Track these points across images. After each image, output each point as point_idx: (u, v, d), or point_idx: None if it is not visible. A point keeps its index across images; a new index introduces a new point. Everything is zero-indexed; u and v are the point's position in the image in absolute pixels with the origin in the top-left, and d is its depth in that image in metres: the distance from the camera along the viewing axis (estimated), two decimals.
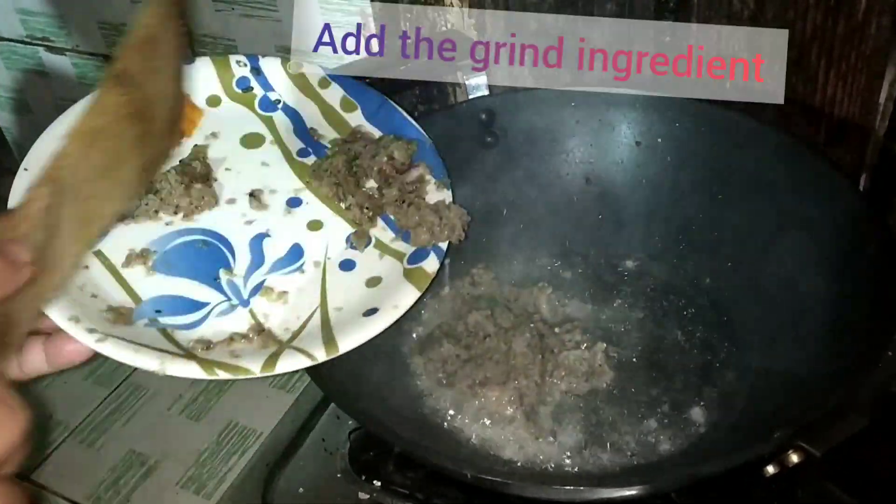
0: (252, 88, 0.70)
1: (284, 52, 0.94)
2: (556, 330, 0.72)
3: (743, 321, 0.72)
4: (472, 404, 0.66)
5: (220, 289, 0.57)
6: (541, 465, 0.63)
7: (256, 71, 0.70)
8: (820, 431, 0.49)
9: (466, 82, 0.80)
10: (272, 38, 0.97)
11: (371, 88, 0.69)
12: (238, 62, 0.70)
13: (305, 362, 0.51)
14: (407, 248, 0.60)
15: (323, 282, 0.58)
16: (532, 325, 0.71)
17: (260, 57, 0.70)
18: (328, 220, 0.62)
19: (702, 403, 0.67)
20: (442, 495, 0.67)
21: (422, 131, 0.67)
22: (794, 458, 0.51)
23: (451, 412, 0.67)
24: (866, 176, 0.81)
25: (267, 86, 0.70)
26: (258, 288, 0.57)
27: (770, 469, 0.53)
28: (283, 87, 0.70)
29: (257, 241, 0.60)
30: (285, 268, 0.59)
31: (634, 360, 0.71)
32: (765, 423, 0.54)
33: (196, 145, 0.65)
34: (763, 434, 0.51)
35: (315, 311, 0.56)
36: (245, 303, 0.56)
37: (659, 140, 0.78)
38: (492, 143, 0.78)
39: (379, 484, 0.69)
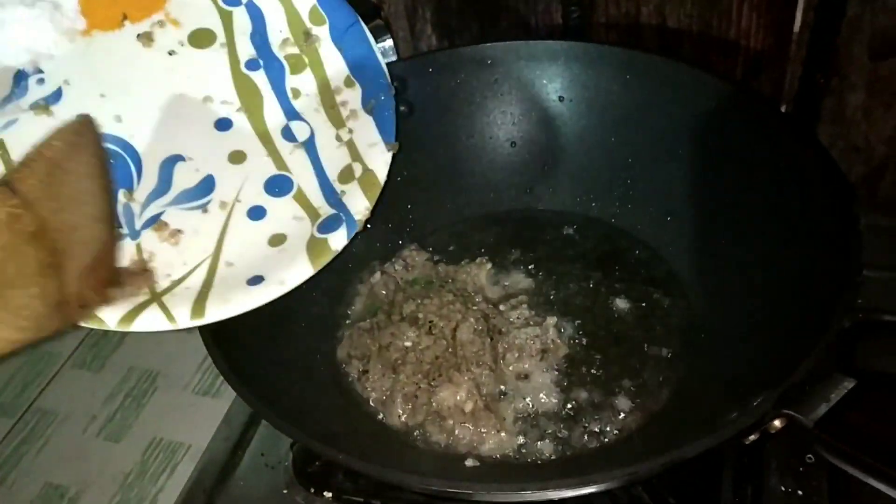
0: None
1: None
2: (501, 308, 0.68)
3: (691, 277, 0.70)
4: (424, 404, 0.62)
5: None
6: (507, 457, 0.59)
7: None
8: (804, 397, 0.47)
9: None
10: None
11: (346, 4, 0.63)
12: None
13: (165, 325, 0.47)
14: (326, 210, 0.55)
15: (224, 227, 0.53)
16: (475, 306, 0.67)
17: None
18: (254, 154, 0.56)
19: (663, 372, 0.64)
20: (399, 499, 0.64)
21: (386, 72, 0.64)
22: (777, 424, 0.49)
23: (402, 417, 0.62)
24: (787, 106, 0.80)
25: None
26: (153, 220, 0.52)
27: (751, 437, 0.52)
28: None
29: (169, 164, 0.55)
30: (189, 202, 0.54)
31: (587, 329, 0.68)
32: (739, 390, 0.51)
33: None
34: (743, 403, 0.48)
35: (204, 260, 0.51)
36: (135, 234, 0.51)
37: (583, 92, 0.74)
38: (406, 112, 0.73)
39: (330, 495, 0.66)
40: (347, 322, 0.70)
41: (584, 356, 0.66)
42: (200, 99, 0.58)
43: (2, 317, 0.44)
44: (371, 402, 0.63)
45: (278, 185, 0.56)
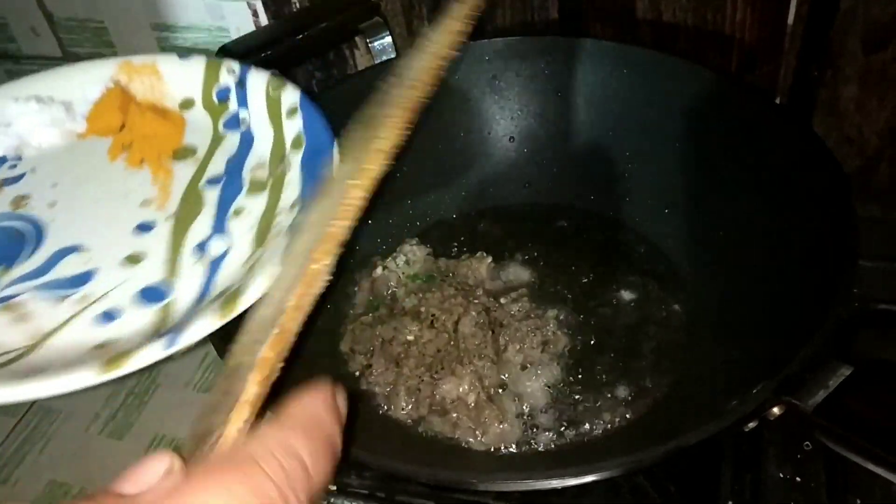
0: (228, 100, 0.63)
1: (159, 30, 0.88)
2: (502, 301, 0.68)
3: (689, 268, 0.70)
4: (427, 397, 0.62)
5: None
6: (510, 448, 0.60)
7: (241, 83, 0.62)
8: (803, 384, 0.47)
9: (371, 45, 0.75)
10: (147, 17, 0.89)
11: (328, 128, 0.57)
12: (229, 70, 0.63)
13: None
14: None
15: (64, 322, 0.48)
16: (476, 300, 0.67)
17: (250, 67, 0.63)
18: (153, 258, 0.52)
19: (664, 362, 0.65)
20: (404, 491, 0.64)
21: None
22: (776, 410, 0.50)
23: (405, 410, 0.63)
24: (781, 99, 0.81)
25: (243, 101, 0.63)
26: (7, 298, 0.50)
27: (751, 424, 0.52)
28: (256, 107, 0.62)
29: (63, 253, 0.53)
30: (54, 290, 0.50)
31: (587, 321, 0.68)
32: (739, 379, 0.52)
33: None
34: (742, 391, 0.49)
35: (25, 347, 0.47)
36: None
37: (579, 87, 0.75)
38: None
39: (335, 488, 0.65)
40: (349, 317, 0.70)
41: (584, 348, 0.66)
42: (140, 201, 0.57)
43: None
44: (374, 396, 0.64)
45: (155, 294, 0.50)
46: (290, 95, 0.60)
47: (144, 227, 0.54)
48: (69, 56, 0.97)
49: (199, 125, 0.62)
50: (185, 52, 0.64)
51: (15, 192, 0.59)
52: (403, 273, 0.72)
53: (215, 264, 0.52)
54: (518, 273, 0.72)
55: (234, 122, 0.62)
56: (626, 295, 0.70)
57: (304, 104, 0.59)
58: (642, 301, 0.69)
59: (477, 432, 0.60)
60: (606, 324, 0.68)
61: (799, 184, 0.62)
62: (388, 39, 0.76)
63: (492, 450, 0.60)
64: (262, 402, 0.39)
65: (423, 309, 0.67)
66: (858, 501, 0.58)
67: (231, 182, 0.58)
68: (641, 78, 0.73)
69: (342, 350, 0.67)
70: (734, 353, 0.60)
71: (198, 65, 0.64)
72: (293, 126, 0.59)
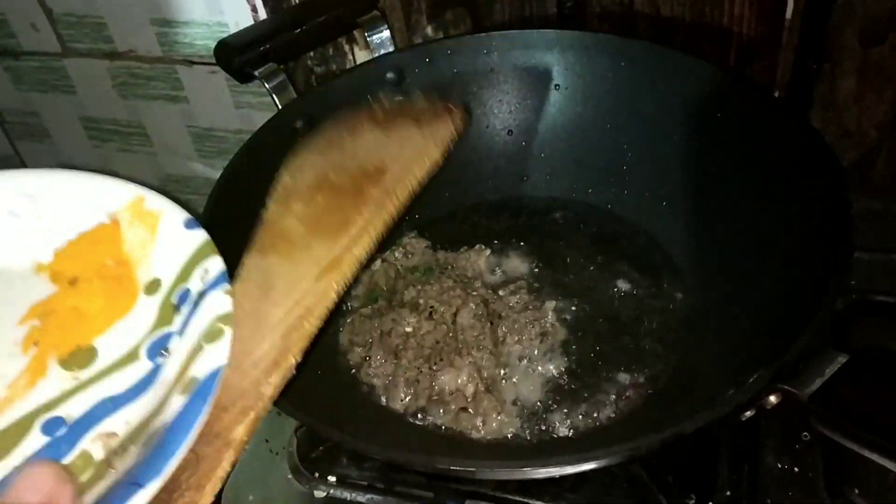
0: (179, 311, 0.50)
1: (159, 25, 0.88)
2: (501, 293, 0.69)
3: (686, 260, 0.71)
4: (425, 389, 0.62)
5: None
6: (508, 439, 0.60)
7: (201, 296, 0.49)
8: (799, 372, 0.48)
9: (370, 38, 0.75)
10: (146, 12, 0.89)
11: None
12: (204, 270, 0.50)
13: None
14: None
15: None
16: (474, 292, 0.68)
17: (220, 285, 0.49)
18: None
19: (661, 353, 0.65)
20: (403, 482, 0.64)
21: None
22: (773, 399, 0.50)
23: (404, 401, 0.63)
24: (779, 92, 0.81)
25: (185, 323, 0.49)
26: None
27: (748, 413, 0.52)
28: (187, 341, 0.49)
29: None
30: None
31: (585, 313, 0.68)
32: (736, 368, 0.52)
33: None
34: (739, 380, 0.49)
35: None
36: None
37: (578, 80, 0.75)
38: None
39: (334, 480, 0.66)
40: (348, 309, 0.71)
41: (582, 339, 0.66)
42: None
43: None
44: (373, 388, 0.64)
45: None
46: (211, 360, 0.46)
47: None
48: (69, 52, 0.97)
49: (130, 327, 0.51)
50: (192, 222, 0.52)
51: None
52: (402, 265, 0.73)
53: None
54: (516, 265, 0.73)
55: (157, 347, 0.50)
56: (624, 287, 0.70)
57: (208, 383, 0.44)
58: (640, 293, 0.69)
59: (475, 423, 0.61)
60: (604, 315, 0.68)
61: (796, 176, 0.62)
62: (387, 33, 0.76)
63: (490, 440, 0.60)
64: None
65: (421, 301, 0.67)
66: (856, 491, 0.58)
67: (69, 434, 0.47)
68: (639, 71, 0.73)
69: (341, 342, 0.68)
70: (731, 343, 0.60)
71: (193, 242, 0.52)
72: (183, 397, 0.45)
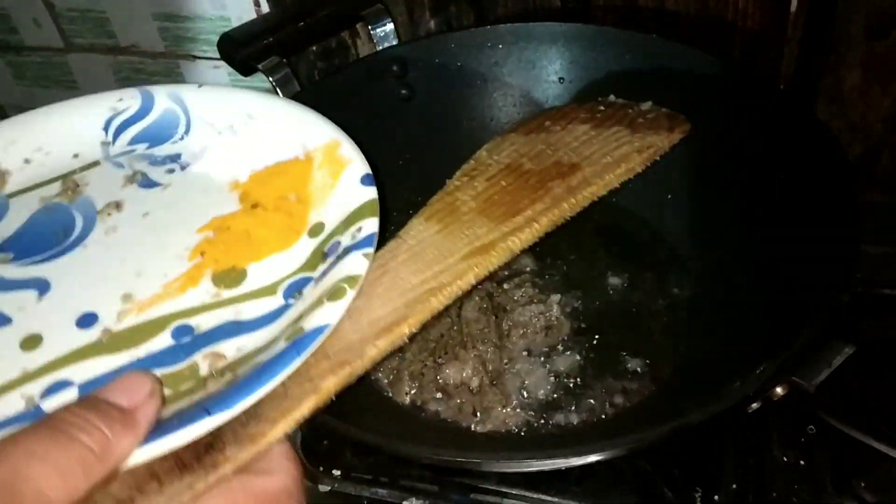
0: (325, 260, 0.51)
1: (161, 20, 0.88)
2: (505, 286, 0.68)
3: (692, 253, 0.70)
4: (430, 382, 0.62)
5: None
6: (513, 432, 0.60)
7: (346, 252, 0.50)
8: (805, 363, 0.48)
9: (373, 32, 0.75)
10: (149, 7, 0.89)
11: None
12: (356, 229, 0.50)
13: None
14: None
15: None
16: (479, 285, 0.67)
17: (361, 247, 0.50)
18: (48, 345, 0.47)
19: (666, 345, 0.65)
20: (407, 475, 0.64)
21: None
22: (779, 391, 0.50)
23: (409, 394, 0.63)
24: (784, 86, 0.81)
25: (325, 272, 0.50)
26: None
27: (754, 405, 0.52)
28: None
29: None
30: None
31: (590, 306, 0.68)
32: (742, 360, 0.52)
33: None
34: (745, 372, 0.49)
35: None
36: None
37: (582, 73, 0.75)
38: (408, 95, 0.74)
39: (339, 473, 0.66)
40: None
41: (587, 333, 0.66)
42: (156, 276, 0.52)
43: None
44: (378, 381, 0.64)
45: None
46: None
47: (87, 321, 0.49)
48: (72, 47, 0.97)
49: (283, 263, 0.52)
50: (369, 178, 0.52)
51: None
52: None
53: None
54: (521, 259, 0.72)
55: (294, 288, 0.51)
56: (629, 280, 0.70)
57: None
58: (645, 286, 0.69)
59: (480, 416, 0.61)
60: (609, 308, 0.68)
61: (802, 169, 0.61)
62: (390, 26, 0.75)
63: (495, 433, 0.60)
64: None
65: None
66: (862, 485, 0.58)
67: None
68: (644, 64, 0.73)
69: None
70: (738, 335, 0.59)
71: (362, 198, 0.52)
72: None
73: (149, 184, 0.55)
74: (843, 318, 0.58)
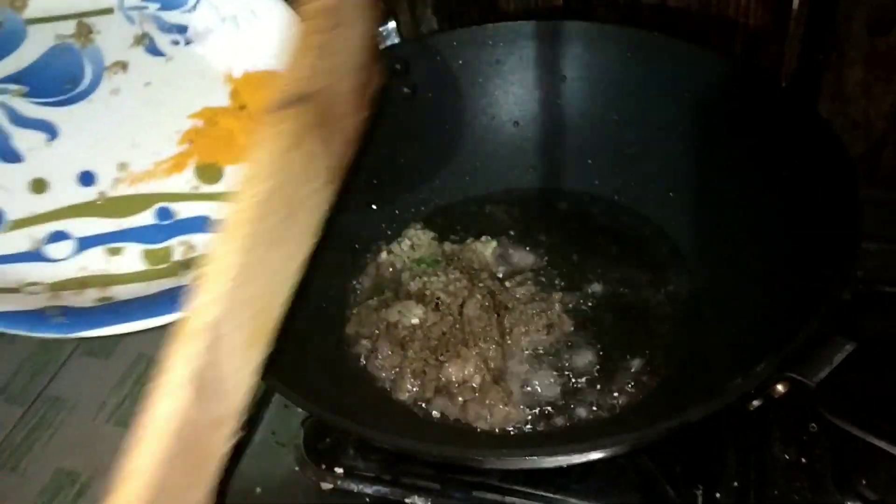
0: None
1: None
2: (507, 284, 0.69)
3: (694, 250, 0.70)
4: (432, 380, 0.62)
5: None
6: (515, 430, 0.60)
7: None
8: (807, 360, 0.48)
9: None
10: None
11: None
12: None
13: None
14: None
15: None
16: (481, 283, 0.68)
17: None
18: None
19: (668, 342, 0.65)
20: (410, 473, 0.64)
21: None
22: (780, 388, 0.50)
23: (411, 392, 0.63)
24: (786, 83, 0.81)
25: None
26: None
27: (755, 402, 0.52)
28: None
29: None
30: None
31: (592, 303, 0.68)
32: (743, 357, 0.52)
33: None
34: (746, 369, 0.49)
35: None
36: None
37: (584, 71, 0.75)
38: (410, 94, 0.74)
39: (341, 471, 0.66)
40: (355, 301, 0.71)
41: (589, 330, 0.66)
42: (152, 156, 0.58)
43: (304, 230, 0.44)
44: (380, 379, 0.64)
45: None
46: None
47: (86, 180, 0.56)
48: None
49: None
50: None
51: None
52: (409, 257, 0.73)
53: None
54: (523, 256, 0.73)
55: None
56: (631, 277, 0.70)
57: None
58: (647, 283, 0.69)
59: (482, 414, 0.61)
60: (611, 306, 0.68)
61: (804, 166, 0.62)
62: (392, 25, 0.76)
63: (497, 431, 0.60)
64: None
65: (428, 292, 0.67)
66: (864, 482, 0.58)
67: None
68: (646, 61, 0.73)
69: (348, 333, 0.68)
70: (739, 332, 0.60)
71: None
72: None
73: (154, 51, 0.60)
74: (844, 316, 0.58)
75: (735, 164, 0.68)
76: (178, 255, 0.54)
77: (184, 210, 0.56)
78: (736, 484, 0.60)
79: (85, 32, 0.58)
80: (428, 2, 0.85)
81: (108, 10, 0.58)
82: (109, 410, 0.89)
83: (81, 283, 0.52)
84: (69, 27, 0.57)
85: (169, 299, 0.48)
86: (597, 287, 0.70)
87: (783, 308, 0.56)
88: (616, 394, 0.62)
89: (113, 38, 0.58)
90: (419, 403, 0.62)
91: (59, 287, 0.52)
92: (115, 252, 0.54)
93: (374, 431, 0.50)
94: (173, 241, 0.55)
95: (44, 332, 0.48)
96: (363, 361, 0.66)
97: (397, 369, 0.64)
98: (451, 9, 0.86)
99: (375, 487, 0.64)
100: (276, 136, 0.44)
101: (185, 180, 0.57)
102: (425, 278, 0.69)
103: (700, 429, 0.49)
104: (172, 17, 0.59)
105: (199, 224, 0.56)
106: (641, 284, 0.69)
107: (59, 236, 0.52)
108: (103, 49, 0.58)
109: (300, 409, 0.67)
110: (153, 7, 0.59)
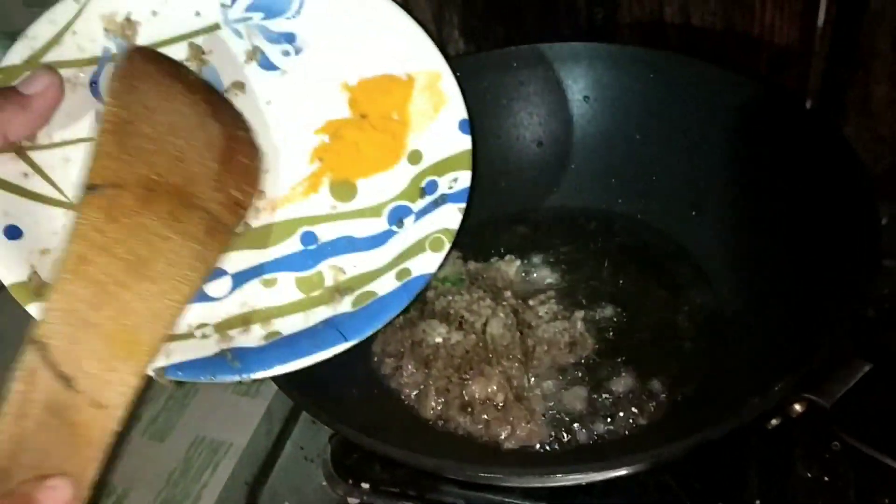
0: (423, 197, 0.59)
1: None
2: (531, 303, 0.69)
3: (715, 269, 0.71)
4: (456, 398, 0.63)
5: None
6: (537, 448, 0.61)
7: (442, 199, 0.59)
8: (823, 380, 0.48)
9: None
10: None
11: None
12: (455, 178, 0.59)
13: None
14: None
15: None
16: (504, 302, 0.68)
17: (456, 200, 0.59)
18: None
19: (689, 362, 0.65)
20: (436, 489, 0.65)
21: None
22: (798, 408, 0.50)
23: (435, 410, 0.64)
24: (812, 101, 0.81)
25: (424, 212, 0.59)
26: None
27: (773, 421, 0.53)
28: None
29: None
30: None
31: (615, 322, 0.69)
32: (762, 377, 0.52)
33: None
34: (764, 388, 0.49)
35: None
36: None
37: (607, 92, 0.76)
38: None
39: (368, 486, 0.67)
40: None
41: (611, 349, 0.67)
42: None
43: (160, 286, 0.45)
44: (405, 396, 0.65)
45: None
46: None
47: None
48: None
49: (385, 184, 0.58)
50: (466, 125, 0.60)
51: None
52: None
53: None
54: (546, 275, 0.73)
55: (396, 215, 0.58)
56: (653, 296, 0.70)
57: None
58: (668, 302, 0.70)
59: (505, 432, 0.61)
60: (633, 325, 0.69)
61: (825, 185, 0.62)
62: None
63: (519, 448, 0.61)
64: None
65: (451, 311, 0.69)
66: (887, 501, 0.58)
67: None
68: (668, 82, 0.73)
69: (374, 351, 0.69)
70: (759, 352, 0.60)
71: (458, 145, 0.60)
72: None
73: (268, 65, 0.57)
74: (862, 335, 0.58)
75: (758, 184, 0.68)
76: (329, 281, 0.53)
77: (326, 232, 0.55)
78: (758, 502, 0.60)
79: (198, 55, 0.56)
80: (454, 23, 0.86)
81: (215, 27, 0.56)
82: (144, 424, 0.90)
83: (244, 320, 0.52)
84: (182, 51, 0.55)
85: (331, 328, 0.48)
86: (620, 306, 0.70)
87: (803, 327, 0.56)
88: (637, 411, 0.62)
89: (225, 57, 0.57)
90: (443, 420, 0.63)
91: (225, 326, 0.51)
92: (269, 284, 0.53)
93: (397, 449, 0.51)
94: (322, 266, 0.54)
95: (224, 377, 0.48)
96: (388, 379, 0.67)
97: (422, 387, 0.65)
98: (477, 29, 0.87)
99: (401, 503, 0.65)
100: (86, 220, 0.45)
101: (322, 201, 0.56)
102: (450, 297, 0.70)
103: (720, 446, 0.49)
104: (278, 24, 0.57)
105: (342, 245, 0.55)
106: (663, 303, 0.70)
107: (215, 274, 0.51)
108: (219, 69, 0.56)
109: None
110: (257, 17, 0.57)
